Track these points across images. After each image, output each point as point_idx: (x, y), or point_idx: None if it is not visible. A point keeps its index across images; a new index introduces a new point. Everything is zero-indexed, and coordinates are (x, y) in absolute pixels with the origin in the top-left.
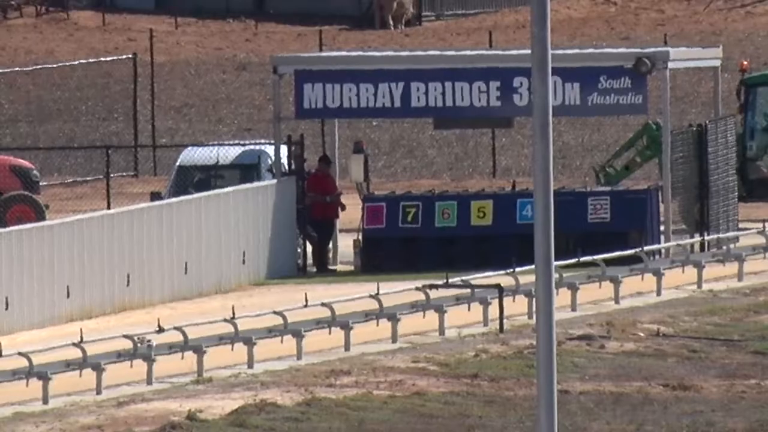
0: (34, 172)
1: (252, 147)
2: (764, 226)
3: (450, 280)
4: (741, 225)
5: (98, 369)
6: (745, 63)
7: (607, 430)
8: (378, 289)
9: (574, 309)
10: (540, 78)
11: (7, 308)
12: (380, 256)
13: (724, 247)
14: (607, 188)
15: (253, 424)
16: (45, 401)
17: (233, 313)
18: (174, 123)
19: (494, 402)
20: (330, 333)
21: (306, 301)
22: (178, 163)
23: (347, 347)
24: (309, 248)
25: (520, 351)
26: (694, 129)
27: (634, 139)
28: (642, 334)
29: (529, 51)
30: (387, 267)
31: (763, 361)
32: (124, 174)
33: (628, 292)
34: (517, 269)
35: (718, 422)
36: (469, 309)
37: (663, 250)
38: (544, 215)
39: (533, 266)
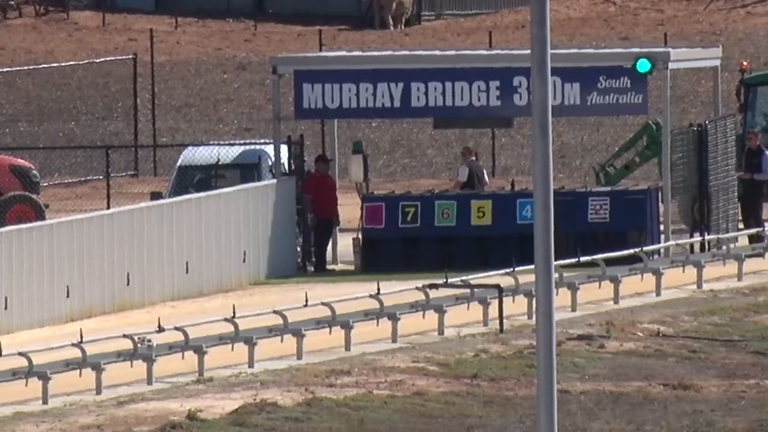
0: (34, 172)
1: (252, 147)
2: (764, 226)
3: (450, 280)
4: (740, 225)
5: (98, 369)
6: (745, 63)
7: (607, 430)
8: (378, 289)
9: (573, 309)
10: (539, 78)
11: (6, 308)
12: (379, 258)
13: (724, 247)
14: (607, 188)
15: (254, 423)
16: (45, 401)
17: (234, 313)
18: (174, 123)
19: (494, 402)
20: (330, 333)
21: (306, 300)
22: (178, 163)
23: (347, 347)
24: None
25: (520, 351)
26: (694, 129)
27: (634, 139)
28: (642, 334)
29: (528, 51)
30: (387, 267)
31: (763, 361)
32: (124, 174)
33: (628, 292)
34: (517, 269)
35: (717, 422)
36: (468, 309)
37: (663, 250)
38: (544, 215)
39: (533, 266)
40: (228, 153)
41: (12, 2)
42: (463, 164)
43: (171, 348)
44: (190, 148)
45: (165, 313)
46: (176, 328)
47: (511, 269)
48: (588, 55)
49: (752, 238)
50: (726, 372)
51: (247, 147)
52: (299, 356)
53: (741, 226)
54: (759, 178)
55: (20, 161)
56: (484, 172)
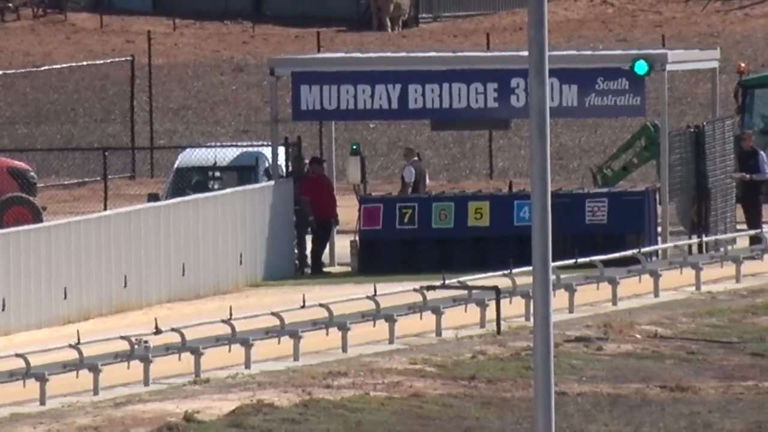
0: (32, 174)
1: (249, 149)
2: (761, 228)
3: (447, 282)
4: (738, 227)
5: (95, 370)
6: (743, 65)
7: None
8: (375, 291)
9: (571, 311)
10: (537, 79)
11: (4, 309)
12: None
13: (722, 249)
14: (605, 190)
15: (251, 425)
16: (42, 402)
17: (230, 314)
18: (171, 125)
19: (491, 404)
20: (327, 334)
21: (303, 302)
22: (176, 165)
23: (344, 348)
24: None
25: (518, 352)
26: (692, 130)
27: (632, 141)
28: (639, 336)
29: (526, 52)
30: (384, 268)
31: (761, 362)
32: (122, 176)
33: (626, 293)
34: (515, 270)
35: (715, 424)
36: (466, 310)
37: (660, 252)
38: (541, 216)
39: (530, 268)
40: (225, 155)
41: (10, 4)
42: (407, 165)
43: (168, 349)
44: (187, 150)
45: (162, 315)
46: (173, 330)
47: (509, 271)
48: (586, 56)
49: (753, 240)
50: (724, 374)
51: (245, 149)
52: (296, 358)
53: (741, 227)
54: (758, 178)
55: (18, 163)
56: (426, 173)
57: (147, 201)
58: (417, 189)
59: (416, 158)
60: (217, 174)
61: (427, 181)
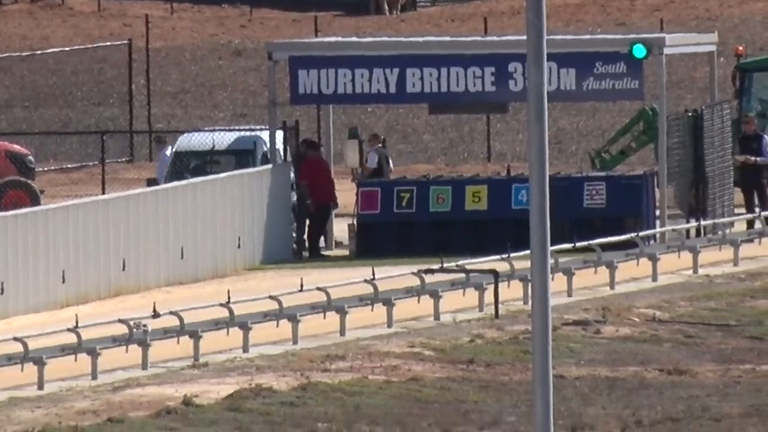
0: (30, 158)
1: (247, 133)
2: (759, 212)
3: (445, 265)
4: (736, 210)
5: (93, 354)
6: (741, 48)
7: (603, 415)
8: (373, 274)
9: (569, 294)
10: (535, 64)
11: (2, 293)
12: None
13: (720, 232)
14: (603, 173)
15: (249, 408)
16: (40, 386)
17: (229, 298)
18: (169, 109)
19: (490, 387)
20: (325, 317)
21: (301, 285)
22: (174, 149)
23: (342, 332)
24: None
25: (516, 336)
26: (690, 114)
27: (630, 125)
28: (637, 319)
29: (524, 37)
30: (382, 252)
31: (759, 345)
32: (120, 160)
33: (624, 277)
34: (513, 254)
35: (713, 407)
36: (464, 294)
37: (658, 235)
38: (539, 200)
39: (528, 251)
40: (223, 139)
41: None
42: (371, 151)
43: (166, 333)
44: (186, 134)
45: (160, 299)
46: (171, 313)
47: (507, 254)
48: (584, 40)
49: (751, 224)
50: (722, 357)
51: (243, 133)
52: (294, 341)
53: (739, 211)
54: (763, 162)
55: (16, 147)
56: (390, 159)
57: (147, 185)
58: (381, 174)
59: (380, 145)
60: (215, 158)
61: (391, 166)
